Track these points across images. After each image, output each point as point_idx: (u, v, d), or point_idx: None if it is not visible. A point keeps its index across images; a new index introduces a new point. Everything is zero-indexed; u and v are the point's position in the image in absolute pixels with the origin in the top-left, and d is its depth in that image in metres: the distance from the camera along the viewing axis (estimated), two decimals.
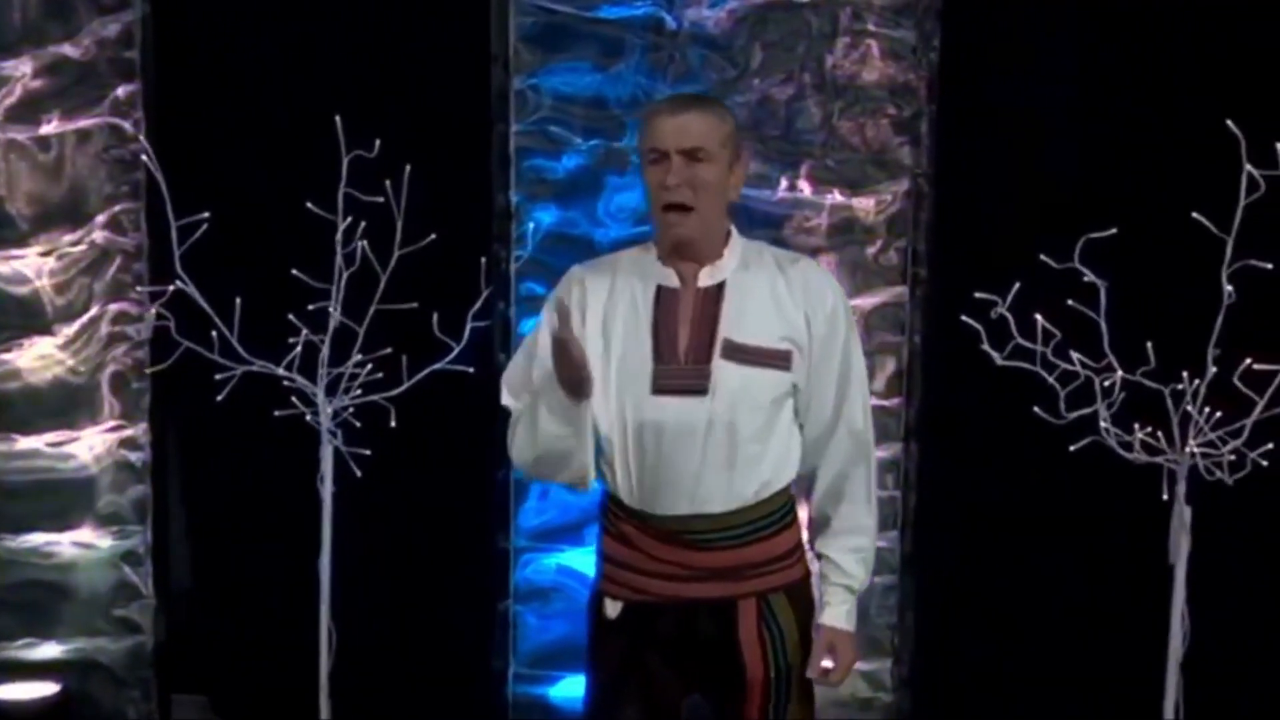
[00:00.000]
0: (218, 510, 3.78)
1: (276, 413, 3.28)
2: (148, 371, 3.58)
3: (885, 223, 3.40)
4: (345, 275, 3.18)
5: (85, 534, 3.74)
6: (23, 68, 3.60)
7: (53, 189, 3.66)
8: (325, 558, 3.31)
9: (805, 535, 2.38)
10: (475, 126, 3.47)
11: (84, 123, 3.65)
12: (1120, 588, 3.26)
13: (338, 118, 3.11)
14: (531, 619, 3.61)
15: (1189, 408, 2.91)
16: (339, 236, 3.17)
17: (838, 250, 3.37)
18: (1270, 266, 2.82)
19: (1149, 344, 2.90)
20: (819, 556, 2.36)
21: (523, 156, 3.49)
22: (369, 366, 3.23)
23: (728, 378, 2.22)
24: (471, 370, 3.27)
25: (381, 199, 3.13)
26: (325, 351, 3.23)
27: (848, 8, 3.34)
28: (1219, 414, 2.92)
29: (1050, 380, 2.95)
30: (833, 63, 3.36)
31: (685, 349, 2.25)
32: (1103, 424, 2.96)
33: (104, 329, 3.70)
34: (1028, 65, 3.33)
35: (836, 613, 2.33)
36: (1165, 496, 2.97)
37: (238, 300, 3.18)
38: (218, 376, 3.25)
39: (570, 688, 3.59)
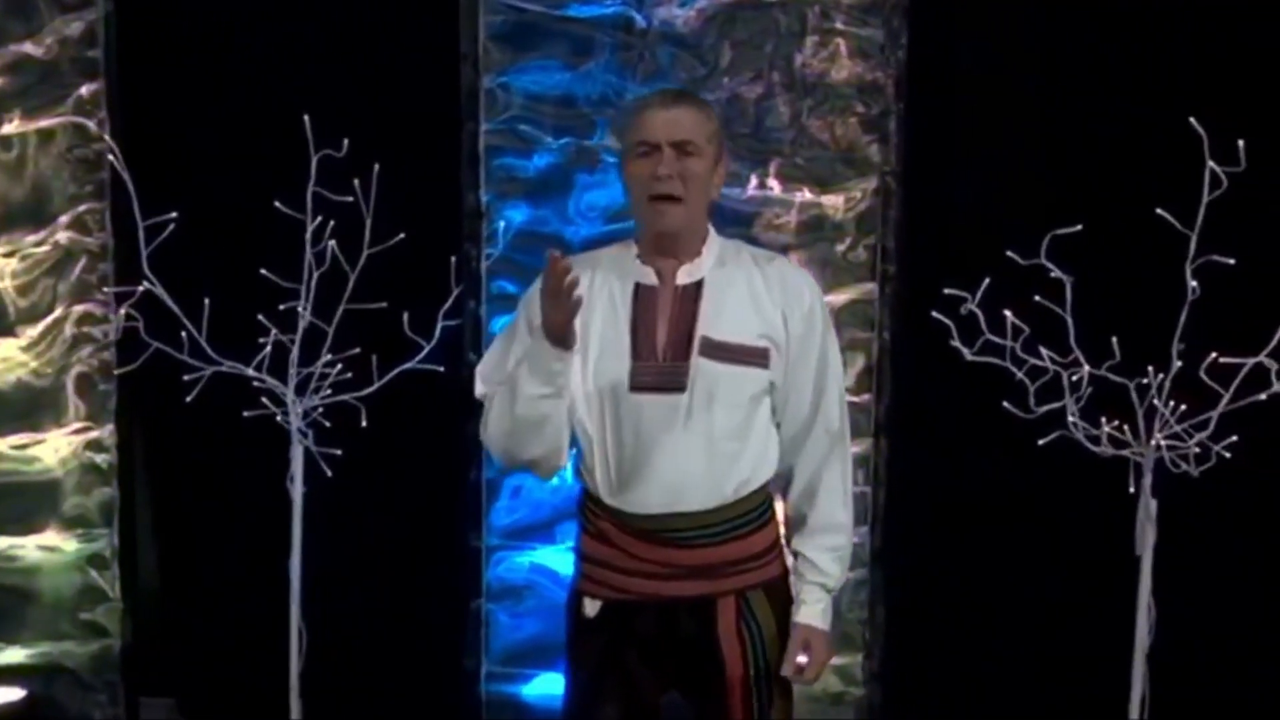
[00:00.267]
0: (186, 512, 3.75)
1: (246, 413, 3.26)
2: (116, 373, 3.54)
3: (854, 220, 3.42)
4: (315, 275, 3.16)
5: (50, 537, 3.71)
6: None
7: (15, 189, 3.62)
8: (295, 558, 3.30)
9: (782, 532, 2.40)
10: (445, 125, 3.46)
11: (47, 122, 3.61)
12: (1087, 580, 3.30)
13: (306, 117, 3.09)
14: (504, 617, 3.61)
15: (1155, 401, 2.95)
16: (308, 236, 3.16)
17: (807, 247, 3.38)
18: (1232, 262, 2.86)
19: (1114, 339, 2.94)
20: (795, 555, 2.37)
21: (493, 155, 3.48)
22: (339, 366, 3.22)
23: (706, 375, 2.23)
24: (442, 369, 3.27)
25: (351, 199, 3.12)
26: (295, 351, 3.21)
27: (816, 6, 3.36)
28: (1184, 407, 2.96)
29: (1019, 375, 2.98)
30: (801, 61, 3.38)
31: (663, 346, 2.25)
32: (1071, 418, 3.00)
33: (68, 330, 3.66)
34: (994, 64, 3.36)
35: (812, 611, 2.34)
36: (1132, 489, 3.00)
37: (206, 301, 3.16)
38: (186, 377, 3.22)
39: (543, 685, 3.60)
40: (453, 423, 3.52)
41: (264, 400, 3.25)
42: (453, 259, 3.30)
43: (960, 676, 3.48)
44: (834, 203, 3.42)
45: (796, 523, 2.38)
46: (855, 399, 3.40)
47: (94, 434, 3.69)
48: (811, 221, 3.42)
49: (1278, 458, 3.14)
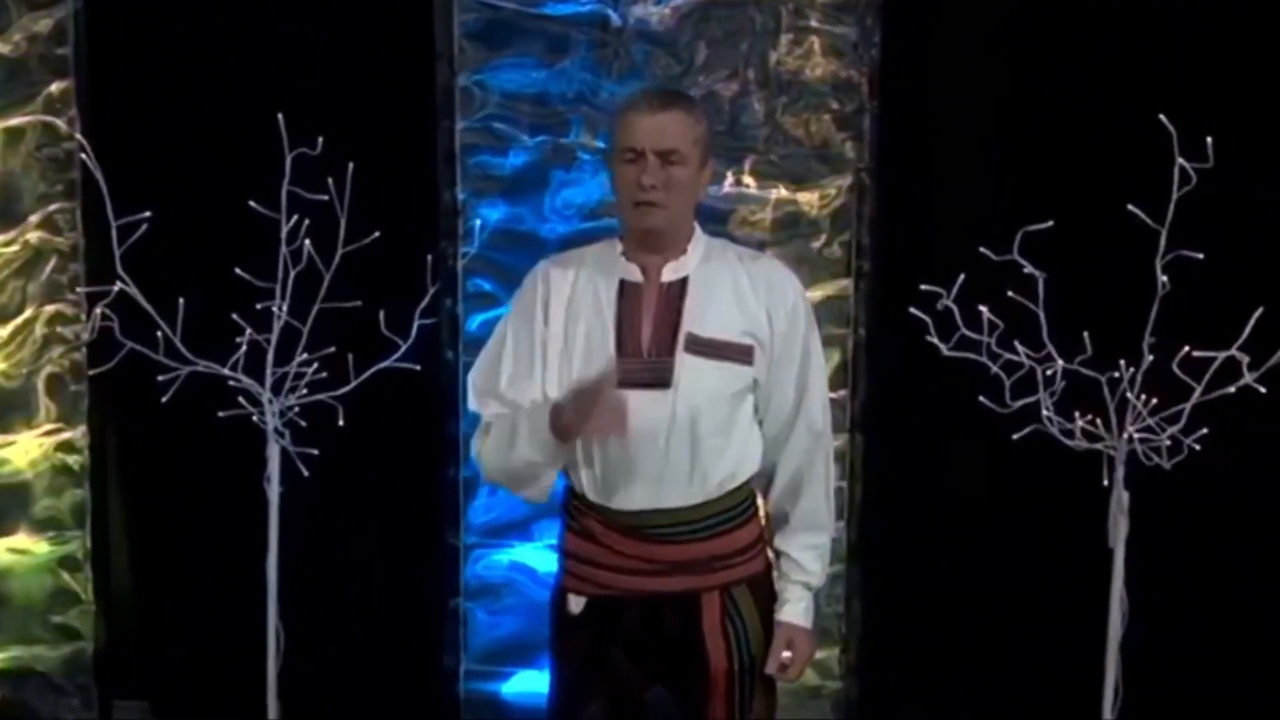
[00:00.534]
0: (160, 513, 3.72)
1: (221, 413, 3.25)
2: (90, 374, 3.50)
3: (829, 217, 3.43)
4: (293, 274, 3.15)
5: (21, 540, 3.67)
6: None
7: None
8: (272, 558, 3.29)
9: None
10: (420, 124, 3.45)
11: (15, 120, 3.57)
12: (1061, 572, 3.33)
13: (280, 115, 3.08)
14: (482, 615, 3.61)
15: (1129, 395, 2.98)
16: (283, 234, 3.14)
17: (782, 244, 3.39)
18: (1202, 257, 2.90)
19: (1086, 334, 2.97)
20: (777, 554, 2.39)
21: (469, 153, 3.47)
22: (315, 365, 3.21)
23: (690, 371, 2.25)
24: (419, 368, 3.26)
25: (326, 197, 3.11)
26: (272, 350, 3.20)
27: (790, 4, 3.36)
28: (1154, 401, 3.00)
29: (995, 370, 3.01)
30: (776, 59, 3.39)
31: (648, 343, 2.27)
32: (1045, 412, 3.03)
33: (39, 331, 3.63)
34: (967, 61, 3.38)
35: (795, 609, 2.37)
36: (1106, 482, 3.04)
37: (181, 300, 3.14)
38: (161, 378, 3.20)
39: (522, 683, 3.60)
40: (430, 421, 3.52)
41: (241, 400, 3.23)
42: (429, 257, 3.29)
43: (937, 669, 3.51)
44: (809, 199, 3.43)
45: (778, 521, 2.40)
46: (831, 395, 3.40)
47: (65, 435, 3.66)
48: (787, 218, 3.43)
49: (1247, 450, 3.18)
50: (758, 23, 3.38)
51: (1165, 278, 2.93)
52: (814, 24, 3.38)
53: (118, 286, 3.17)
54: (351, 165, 3.09)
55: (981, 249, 2.97)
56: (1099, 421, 3.03)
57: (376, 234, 3.14)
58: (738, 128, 3.40)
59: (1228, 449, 3.02)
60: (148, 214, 3.13)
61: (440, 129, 3.45)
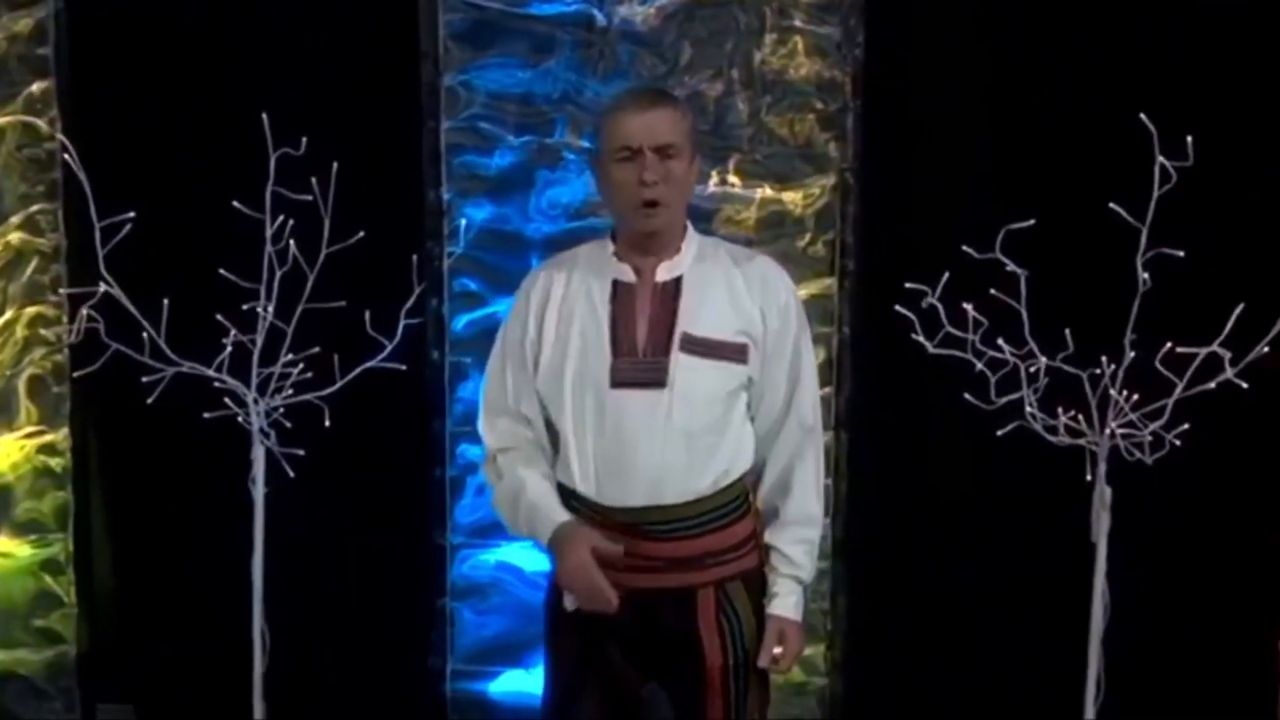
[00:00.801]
0: (143, 515, 3.70)
1: (206, 414, 3.24)
2: (74, 375, 3.48)
3: (814, 216, 3.46)
4: (279, 274, 3.14)
5: (2, 543, 3.66)
6: None
7: None
8: (257, 559, 3.27)
9: None
10: (405, 124, 3.45)
11: None
12: (1044, 566, 3.36)
13: (264, 115, 3.07)
14: (469, 615, 3.61)
15: (1110, 391, 3.02)
16: (268, 235, 3.14)
17: (767, 243, 3.41)
18: (1182, 254, 2.94)
19: (1067, 330, 3.00)
20: (768, 549, 2.41)
21: (454, 153, 3.47)
22: (300, 366, 3.20)
23: (686, 371, 2.26)
24: (404, 368, 3.26)
25: (310, 197, 3.11)
26: (258, 351, 3.19)
27: (774, 4, 3.38)
28: (1136, 397, 3.03)
29: (980, 367, 3.03)
30: (761, 59, 3.41)
31: (643, 343, 2.28)
32: (1028, 409, 3.06)
33: (20, 332, 3.61)
34: (949, 61, 3.41)
35: (785, 603, 2.38)
36: (1089, 477, 3.07)
37: (165, 301, 3.13)
38: (145, 379, 3.19)
39: (509, 683, 3.61)
40: (416, 421, 3.53)
41: (227, 401, 3.22)
42: (414, 257, 3.29)
43: (922, 665, 3.53)
44: (794, 199, 3.45)
45: (769, 515, 2.42)
46: None
47: (47, 437, 3.64)
48: (771, 218, 3.45)
49: (1228, 445, 3.22)
50: (742, 23, 3.40)
51: (1146, 275, 2.96)
52: (798, 24, 3.40)
53: (102, 288, 3.15)
54: (336, 165, 3.07)
55: (964, 247, 3.00)
56: (1081, 418, 3.06)
57: (361, 234, 3.13)
58: (723, 127, 3.41)
59: (1209, 444, 3.05)
60: (131, 215, 3.11)
61: (425, 129, 3.46)
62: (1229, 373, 2.95)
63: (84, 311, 3.16)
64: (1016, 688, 3.45)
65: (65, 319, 3.54)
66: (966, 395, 3.06)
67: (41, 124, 3.56)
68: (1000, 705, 3.47)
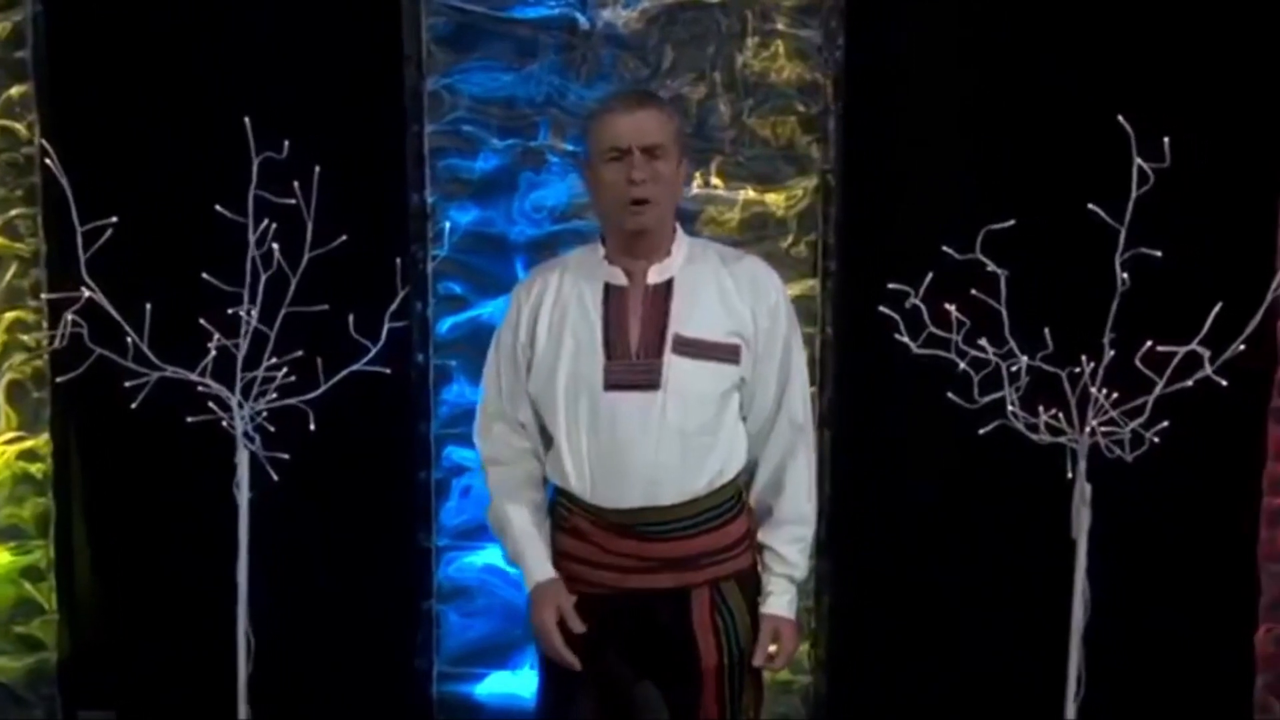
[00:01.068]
0: (126, 521, 3.68)
1: (190, 419, 3.22)
2: (57, 380, 3.45)
3: (796, 217, 3.48)
4: (264, 278, 3.13)
5: None
6: None
7: None
8: (242, 564, 3.26)
9: None
10: (389, 127, 3.45)
11: None
12: (1027, 565, 3.39)
13: (246, 119, 3.07)
14: (455, 617, 3.62)
15: (1092, 389, 3.05)
16: (251, 239, 3.13)
17: (750, 245, 3.41)
18: (1160, 254, 2.97)
19: (1046, 330, 3.03)
20: (761, 548, 2.43)
21: (438, 156, 3.48)
22: (284, 370, 3.20)
23: (679, 372, 2.28)
24: (389, 371, 3.26)
25: (294, 201, 3.10)
26: (242, 355, 3.18)
27: (756, 7, 3.41)
28: (1115, 395, 3.06)
29: (963, 366, 3.06)
30: (743, 62, 3.43)
31: (636, 345, 2.30)
32: (1010, 408, 3.09)
33: None
34: (929, 64, 3.44)
35: (779, 601, 2.41)
36: (1070, 475, 3.11)
37: (148, 306, 3.12)
38: (128, 384, 3.17)
39: (495, 685, 3.61)
40: (401, 424, 3.53)
41: (212, 405, 3.21)
42: (398, 260, 3.29)
43: (906, 664, 3.56)
44: (776, 200, 3.48)
45: (762, 514, 2.44)
46: None
47: (28, 443, 3.62)
48: (754, 219, 3.48)
49: (1207, 443, 3.26)
50: (724, 26, 3.42)
51: (1125, 275, 2.99)
52: (779, 27, 3.42)
53: (86, 294, 3.13)
54: (318, 169, 3.06)
55: (945, 248, 3.02)
56: (1061, 416, 3.09)
57: (343, 238, 3.12)
58: (705, 130, 3.43)
59: (1187, 441, 3.09)
60: (114, 219, 3.10)
61: (409, 132, 3.46)
62: (1208, 369, 2.99)
63: (68, 316, 3.13)
64: (999, 684, 3.47)
65: (45, 324, 3.51)
66: (950, 395, 3.08)
67: (20, 128, 3.53)
68: (983, 701, 3.50)
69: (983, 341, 3.05)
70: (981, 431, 3.10)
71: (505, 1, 3.44)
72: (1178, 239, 2.98)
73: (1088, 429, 3.08)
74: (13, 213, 3.56)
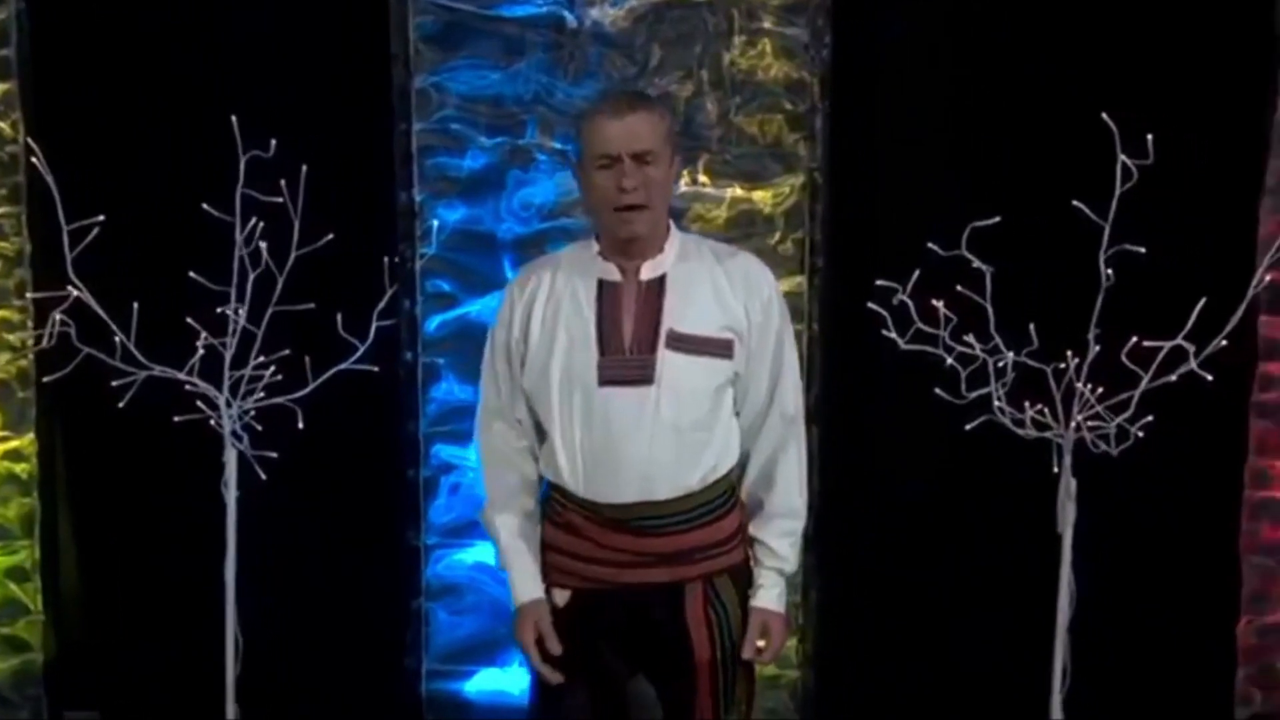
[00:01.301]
0: (112, 521, 3.67)
1: (177, 418, 3.21)
2: (45, 380, 3.43)
3: (783, 215, 3.50)
4: (252, 277, 3.13)
5: None
6: None
7: None
8: (230, 563, 3.26)
9: None
10: (377, 126, 3.45)
11: None
12: (1013, 558, 3.41)
13: (234, 118, 3.06)
14: (444, 615, 3.62)
15: (1078, 385, 3.08)
16: (239, 238, 3.12)
17: (737, 242, 3.40)
18: (1144, 250, 3.00)
19: (1031, 326, 3.05)
20: (752, 541, 2.44)
21: (426, 154, 3.48)
22: (272, 369, 3.19)
23: (673, 367, 2.29)
24: (377, 369, 3.26)
25: (281, 199, 3.10)
26: (230, 354, 3.18)
27: (743, 6, 3.42)
28: (1100, 390, 3.09)
29: (950, 361, 3.08)
30: (730, 60, 3.44)
31: (630, 341, 2.31)
32: (996, 403, 3.11)
33: None
34: (915, 62, 3.46)
35: (769, 595, 2.42)
36: (1056, 470, 3.13)
37: (135, 305, 3.11)
38: (115, 383, 3.16)
39: (484, 682, 3.62)
40: (389, 422, 3.53)
41: (200, 404, 3.20)
42: (386, 259, 3.29)
43: (893, 658, 3.58)
44: (763, 197, 3.49)
45: (753, 507, 2.46)
46: None
47: (13, 443, 3.60)
48: (741, 216, 3.49)
49: (1192, 436, 3.30)
50: (711, 24, 3.43)
51: (1109, 271, 3.02)
52: (766, 26, 3.44)
53: (74, 293, 3.12)
54: (305, 167, 3.06)
55: (930, 245, 3.04)
56: (1047, 411, 3.12)
57: (330, 236, 3.12)
58: (693, 128, 3.44)
59: (1171, 436, 3.12)
60: (100, 218, 3.08)
61: (397, 131, 3.46)
62: (1193, 363, 3.02)
63: (56, 316, 3.12)
64: (986, 677, 3.50)
65: (30, 324, 3.49)
66: (938, 390, 3.10)
67: (5, 126, 3.52)
68: (970, 694, 3.53)
69: (969, 338, 3.07)
70: (968, 427, 3.12)
71: (493, 0, 3.44)
72: (1161, 236, 3.02)
73: (1073, 424, 3.11)
74: None
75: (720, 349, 2.32)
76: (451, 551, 3.60)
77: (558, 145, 3.43)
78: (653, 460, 2.28)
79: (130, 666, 3.69)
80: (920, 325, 3.07)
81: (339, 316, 3.17)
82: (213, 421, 3.22)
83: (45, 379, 3.42)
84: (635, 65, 3.44)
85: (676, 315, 2.31)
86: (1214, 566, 3.48)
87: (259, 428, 3.23)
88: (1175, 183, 3.06)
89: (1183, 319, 3.01)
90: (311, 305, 3.12)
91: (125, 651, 3.70)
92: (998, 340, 3.08)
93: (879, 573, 3.56)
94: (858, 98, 3.45)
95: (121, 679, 3.71)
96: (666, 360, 2.29)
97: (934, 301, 3.06)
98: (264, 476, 3.22)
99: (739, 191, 3.49)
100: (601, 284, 2.34)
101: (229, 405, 3.21)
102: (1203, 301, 3.00)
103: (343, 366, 3.22)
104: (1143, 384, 3.04)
